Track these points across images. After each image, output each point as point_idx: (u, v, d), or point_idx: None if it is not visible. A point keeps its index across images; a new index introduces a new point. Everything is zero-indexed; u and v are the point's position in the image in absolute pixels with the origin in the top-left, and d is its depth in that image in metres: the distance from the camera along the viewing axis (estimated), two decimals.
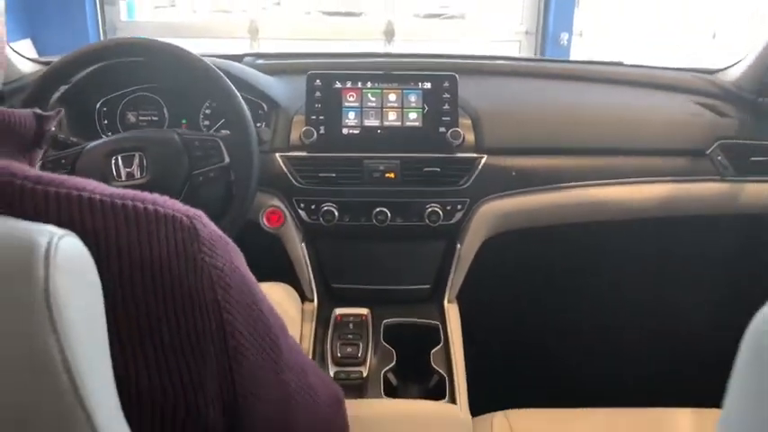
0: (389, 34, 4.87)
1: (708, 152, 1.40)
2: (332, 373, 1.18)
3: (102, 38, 4.78)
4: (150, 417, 0.49)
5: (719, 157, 1.39)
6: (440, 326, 1.32)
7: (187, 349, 0.50)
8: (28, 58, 1.47)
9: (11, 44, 1.49)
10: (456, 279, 1.38)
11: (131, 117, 1.44)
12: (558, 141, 1.38)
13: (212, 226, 0.55)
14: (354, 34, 5.64)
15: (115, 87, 1.42)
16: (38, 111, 0.57)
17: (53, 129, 0.60)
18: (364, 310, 1.31)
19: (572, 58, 4.75)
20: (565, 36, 4.94)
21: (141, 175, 1.14)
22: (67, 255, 0.38)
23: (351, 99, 1.34)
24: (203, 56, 1.21)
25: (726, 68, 1.53)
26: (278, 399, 0.62)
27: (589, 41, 5.01)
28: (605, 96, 1.48)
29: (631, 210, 1.39)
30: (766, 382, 0.40)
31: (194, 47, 1.24)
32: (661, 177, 1.39)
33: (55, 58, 1.21)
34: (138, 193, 0.51)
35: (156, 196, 0.52)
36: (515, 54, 4.70)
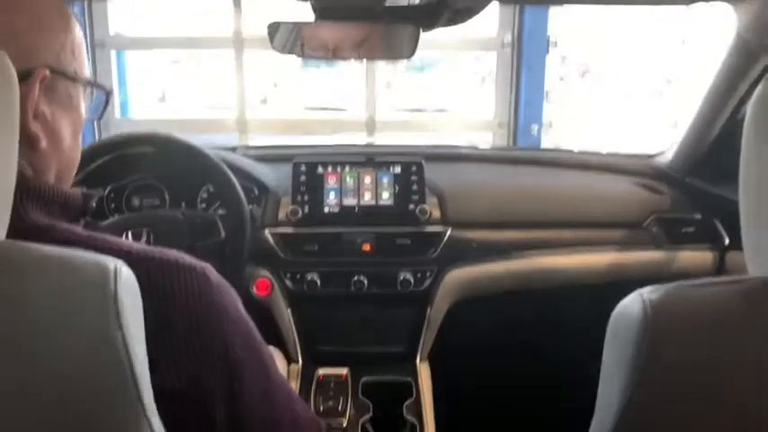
0: (371, 128, 5.16)
1: (644, 224, 1.59)
2: None
3: (97, 134, 5.02)
4: (173, 413, 0.64)
5: (654, 229, 1.59)
6: (412, 382, 1.46)
7: (201, 362, 0.66)
8: None
9: None
10: (427, 340, 1.54)
11: (136, 201, 1.61)
12: (514, 216, 1.58)
13: (219, 275, 0.72)
14: (337, 128, 5.94)
15: (123, 175, 1.60)
16: (84, 190, 0.75)
17: (93, 205, 0.77)
18: (344, 370, 1.46)
19: (541, 147, 5.06)
20: (535, 127, 5.27)
21: None
22: (126, 276, 0.54)
23: (332, 182, 1.53)
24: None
25: (660, 153, 1.75)
26: (268, 413, 0.77)
27: (558, 132, 5.33)
28: (556, 178, 1.69)
29: (580, 276, 1.57)
30: (621, 352, 0.58)
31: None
32: (604, 247, 1.57)
33: None
34: (162, 249, 0.69)
35: (176, 251, 0.70)
36: (488, 144, 4.98)
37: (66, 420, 0.50)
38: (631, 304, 0.59)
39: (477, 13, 1.31)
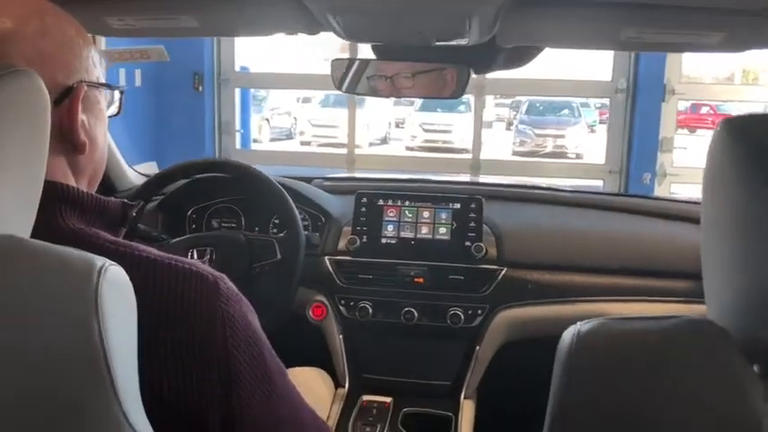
0: (475, 168, 5.19)
1: None
2: None
3: None
4: (167, 420, 0.66)
5: None
6: (453, 417, 1.46)
7: (199, 368, 0.70)
8: (139, 173, 1.85)
9: (136, 166, 1.89)
10: (473, 378, 1.53)
11: (215, 223, 1.74)
12: (572, 260, 1.55)
13: (232, 285, 0.76)
14: (443, 166, 6.04)
15: (204, 198, 1.73)
16: (125, 200, 0.83)
17: (134, 214, 0.86)
18: (388, 399, 1.49)
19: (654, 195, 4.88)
20: (647, 176, 5.08)
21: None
22: (114, 275, 0.58)
23: (391, 214, 1.58)
24: (283, 176, 1.50)
25: None
26: (268, 422, 0.80)
27: (672, 181, 5.11)
28: (619, 223, 1.64)
29: None
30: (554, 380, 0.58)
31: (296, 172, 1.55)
32: (667, 298, 1.51)
33: None
34: (180, 257, 0.75)
35: (193, 260, 0.75)
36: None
37: (39, 408, 0.52)
38: (566, 335, 0.60)
39: (532, 58, 1.33)
